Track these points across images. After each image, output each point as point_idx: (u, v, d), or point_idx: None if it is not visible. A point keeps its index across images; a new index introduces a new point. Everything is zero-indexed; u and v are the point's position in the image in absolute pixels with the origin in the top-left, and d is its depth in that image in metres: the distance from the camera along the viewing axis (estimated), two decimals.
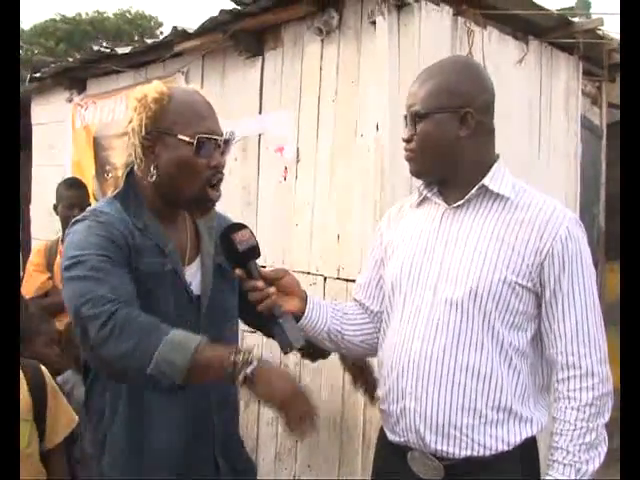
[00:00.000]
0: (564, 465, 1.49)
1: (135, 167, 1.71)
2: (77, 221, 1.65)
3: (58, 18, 19.49)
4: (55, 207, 3.62)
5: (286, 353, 1.61)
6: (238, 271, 1.61)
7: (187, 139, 1.61)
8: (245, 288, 1.62)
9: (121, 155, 4.15)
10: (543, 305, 1.55)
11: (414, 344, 1.58)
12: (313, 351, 1.96)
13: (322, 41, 3.08)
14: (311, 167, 3.13)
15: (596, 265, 1.61)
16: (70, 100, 4.86)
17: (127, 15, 20.95)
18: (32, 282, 3.45)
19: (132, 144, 1.66)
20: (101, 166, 4.54)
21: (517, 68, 3.33)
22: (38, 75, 4.99)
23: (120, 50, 4.23)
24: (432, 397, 1.54)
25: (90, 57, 4.43)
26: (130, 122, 1.66)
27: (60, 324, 2.83)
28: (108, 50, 4.30)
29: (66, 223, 3.28)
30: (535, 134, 3.47)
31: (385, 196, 2.77)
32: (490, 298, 1.53)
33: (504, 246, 1.54)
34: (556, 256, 1.52)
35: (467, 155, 1.60)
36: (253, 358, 1.44)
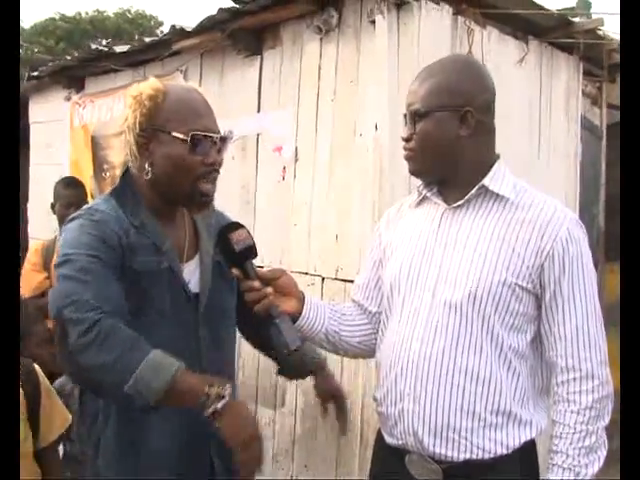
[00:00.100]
0: (563, 469, 1.47)
1: (131, 165, 1.70)
2: (72, 219, 1.65)
3: (58, 17, 19.48)
4: (53, 206, 3.61)
5: (285, 354, 1.60)
6: (235, 271, 1.60)
7: (181, 136, 1.60)
8: (242, 288, 1.61)
9: (119, 154, 4.14)
10: (543, 307, 1.54)
11: (413, 345, 1.56)
12: (290, 370, 2.00)
13: (321, 40, 3.07)
14: (310, 167, 3.12)
15: (596, 266, 1.59)
16: (68, 99, 4.85)
17: (127, 14, 20.94)
18: (29, 281, 3.44)
19: (127, 141, 1.65)
20: (99, 165, 4.53)
21: (517, 68, 3.32)
22: (36, 73, 4.98)
23: (118, 49, 4.23)
24: (431, 399, 1.53)
25: (88, 56, 4.43)
26: (126, 120, 1.66)
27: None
28: (106, 49, 4.29)
29: (63, 222, 3.26)
30: (535, 134, 3.46)
31: (384, 196, 2.76)
32: (490, 300, 1.51)
33: (504, 246, 1.53)
34: (556, 257, 1.50)
35: (467, 155, 1.59)
36: (225, 393, 1.45)
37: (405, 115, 1.64)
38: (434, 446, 1.53)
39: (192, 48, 3.64)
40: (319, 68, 3.09)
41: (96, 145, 4.54)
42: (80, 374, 1.55)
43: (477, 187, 1.58)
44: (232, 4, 3.20)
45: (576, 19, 3.60)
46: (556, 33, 3.43)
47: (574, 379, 1.50)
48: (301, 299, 1.69)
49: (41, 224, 4.71)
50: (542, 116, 3.49)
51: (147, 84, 1.64)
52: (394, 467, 1.62)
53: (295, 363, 1.96)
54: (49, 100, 5.13)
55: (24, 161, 4.96)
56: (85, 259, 1.53)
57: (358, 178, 2.89)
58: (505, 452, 1.52)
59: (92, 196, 4.30)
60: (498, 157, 1.64)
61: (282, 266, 2.96)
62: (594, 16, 3.72)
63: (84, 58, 4.47)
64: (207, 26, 3.41)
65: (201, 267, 1.74)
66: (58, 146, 4.98)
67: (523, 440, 1.53)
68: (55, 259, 1.63)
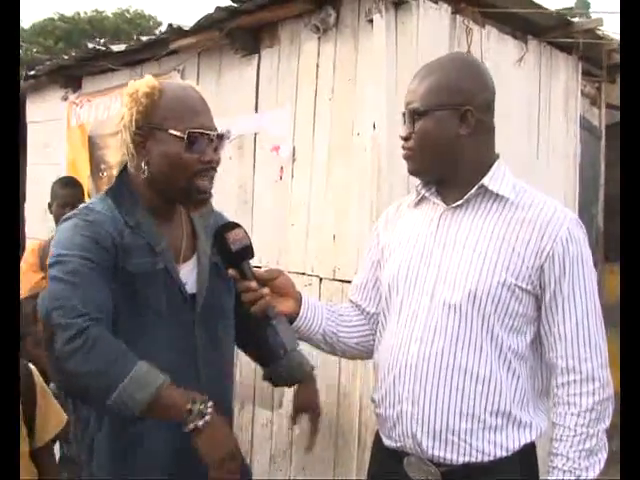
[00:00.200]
0: (564, 472, 1.46)
1: (127, 163, 1.69)
2: (66, 218, 1.64)
3: (57, 17, 19.48)
4: (50, 206, 3.60)
5: (280, 356, 1.60)
6: (231, 271, 1.59)
7: (178, 134, 1.59)
8: (238, 289, 1.60)
9: (116, 154, 4.13)
10: (543, 308, 1.52)
11: (411, 347, 1.55)
12: (278, 377, 1.99)
13: (319, 39, 3.06)
14: (307, 166, 3.10)
15: (595, 266, 1.58)
16: (65, 98, 4.83)
17: (126, 14, 20.95)
18: (26, 281, 3.42)
19: (123, 140, 1.65)
20: (96, 165, 4.51)
21: (516, 68, 3.31)
22: (33, 73, 4.96)
23: (115, 48, 4.21)
24: (429, 401, 1.51)
25: (85, 55, 4.41)
26: (122, 118, 1.65)
27: None
28: (103, 48, 4.27)
29: None
30: (534, 134, 3.45)
31: (382, 196, 2.74)
32: (489, 301, 1.50)
33: (504, 246, 1.51)
34: (557, 258, 1.49)
35: (467, 154, 1.57)
36: (207, 412, 1.46)
37: (404, 114, 1.62)
38: (433, 449, 1.52)
39: (189, 47, 3.62)
40: (317, 67, 3.08)
41: (93, 145, 4.52)
42: (66, 380, 1.55)
43: (476, 187, 1.56)
44: (230, 3, 3.19)
45: (575, 19, 3.59)
46: (555, 33, 3.42)
47: (574, 381, 1.48)
48: (298, 300, 1.68)
49: (38, 224, 4.70)
50: (541, 116, 3.48)
51: (143, 82, 1.64)
52: (392, 469, 1.61)
53: (285, 369, 1.96)
54: (46, 100, 5.11)
55: (21, 161, 4.95)
56: (77, 261, 1.52)
57: (356, 178, 2.87)
58: (505, 455, 1.51)
59: (89, 196, 4.28)
60: (498, 157, 1.63)
61: (279, 266, 2.95)
62: (593, 16, 3.71)
63: (81, 57, 4.45)
64: (204, 25, 3.39)
65: (198, 268, 1.73)
66: (55, 146, 4.96)
67: (523, 443, 1.52)
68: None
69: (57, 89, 4.89)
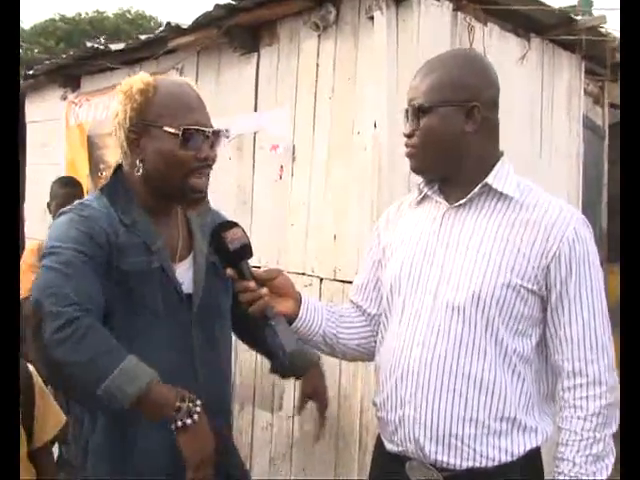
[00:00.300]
0: (570, 477, 1.43)
1: (122, 161, 1.67)
2: (61, 213, 1.63)
3: (58, 18, 19.52)
4: (49, 205, 3.59)
5: (280, 355, 1.57)
6: (229, 271, 1.56)
7: (173, 131, 1.58)
8: (236, 289, 1.57)
9: (115, 153, 4.07)
10: (549, 309, 1.49)
11: (414, 350, 1.52)
12: (285, 369, 1.96)
13: (319, 37, 3.04)
14: (307, 166, 3.08)
15: (600, 266, 1.56)
16: (64, 98, 4.83)
17: (127, 15, 20.99)
18: (25, 282, 3.38)
19: (118, 137, 1.64)
20: (95, 164, 4.51)
21: (518, 66, 3.28)
22: (32, 72, 4.95)
23: (114, 47, 4.19)
24: (432, 406, 1.48)
25: (84, 54, 4.40)
26: (116, 116, 1.64)
27: None
28: (102, 47, 4.26)
29: None
30: (537, 134, 3.43)
31: (382, 195, 2.72)
32: (494, 303, 1.47)
33: (509, 246, 1.48)
34: (563, 258, 1.46)
35: (472, 151, 1.54)
36: (195, 410, 1.46)
37: (406, 111, 1.59)
38: (436, 453, 1.49)
39: (188, 46, 3.61)
40: (317, 65, 3.06)
41: (92, 144, 4.51)
42: (52, 370, 1.55)
43: (480, 185, 1.53)
44: (228, 0, 3.17)
45: (578, 17, 3.56)
46: (558, 30, 3.39)
47: (581, 385, 1.45)
48: (298, 300, 1.64)
49: (37, 224, 4.69)
50: (544, 115, 3.45)
51: (137, 78, 1.63)
52: (394, 473, 1.58)
53: (290, 361, 1.92)
54: (45, 99, 5.10)
55: (21, 160, 4.92)
56: (70, 253, 1.52)
57: (356, 177, 2.85)
58: (509, 460, 1.47)
59: None
60: (502, 154, 1.59)
61: (279, 266, 2.92)
62: (596, 13, 3.68)
63: (80, 56, 4.43)
64: (203, 23, 3.38)
65: (195, 267, 1.72)
66: (54, 145, 4.96)
67: (528, 448, 1.49)
68: None
69: (56, 88, 4.89)
